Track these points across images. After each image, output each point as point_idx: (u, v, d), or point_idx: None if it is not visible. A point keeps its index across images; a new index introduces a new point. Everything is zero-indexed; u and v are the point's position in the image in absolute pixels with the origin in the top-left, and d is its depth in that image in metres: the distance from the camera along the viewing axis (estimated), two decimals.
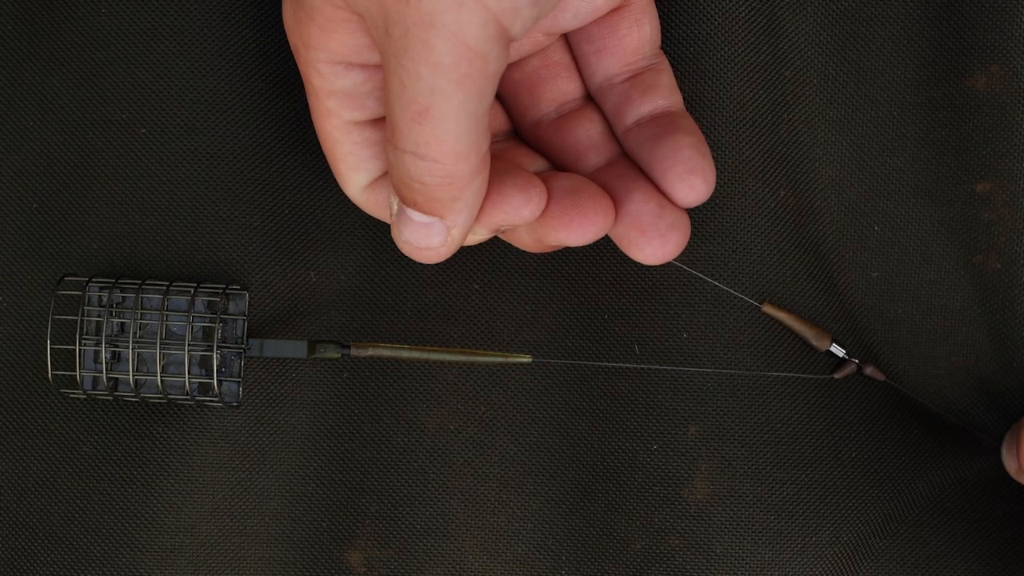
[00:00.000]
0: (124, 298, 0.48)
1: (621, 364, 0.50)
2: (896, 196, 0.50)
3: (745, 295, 0.50)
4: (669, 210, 0.36)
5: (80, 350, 0.48)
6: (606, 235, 0.49)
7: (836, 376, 0.49)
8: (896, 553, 0.50)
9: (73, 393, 0.48)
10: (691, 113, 0.49)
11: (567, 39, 0.39)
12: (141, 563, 0.49)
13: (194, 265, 0.50)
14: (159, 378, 0.47)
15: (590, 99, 0.39)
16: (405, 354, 0.47)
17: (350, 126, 0.37)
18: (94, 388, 0.48)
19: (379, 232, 0.50)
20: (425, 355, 0.47)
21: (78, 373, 0.47)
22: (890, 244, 0.50)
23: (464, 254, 0.50)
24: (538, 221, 0.35)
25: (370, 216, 0.50)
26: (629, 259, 0.49)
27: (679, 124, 0.37)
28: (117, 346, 0.48)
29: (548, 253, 0.50)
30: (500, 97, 0.38)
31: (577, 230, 0.34)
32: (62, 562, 0.49)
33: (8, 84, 0.49)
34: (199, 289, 0.48)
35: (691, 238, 0.49)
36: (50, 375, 0.47)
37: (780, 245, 0.50)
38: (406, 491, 0.50)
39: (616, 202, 0.35)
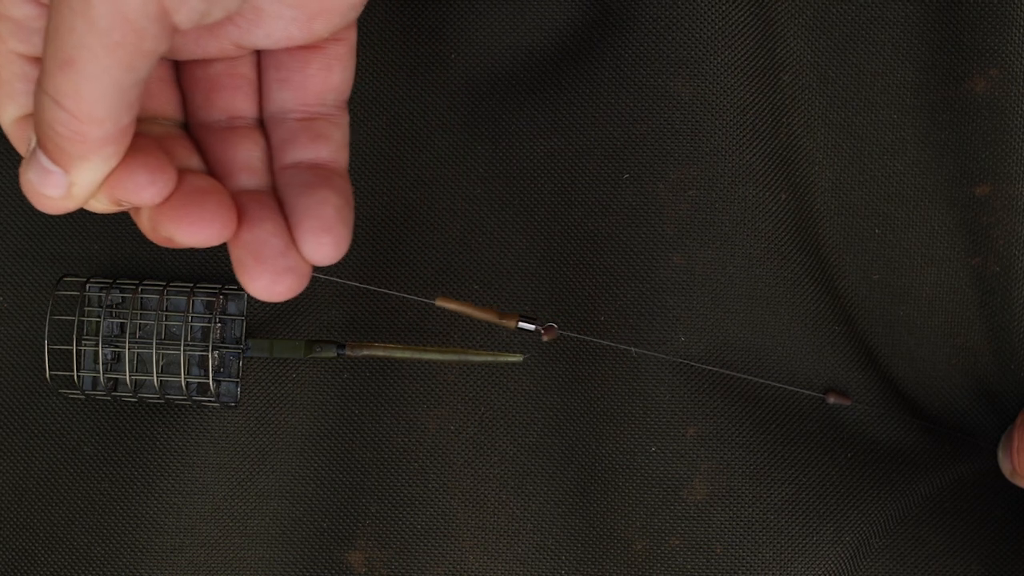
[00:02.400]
0: (123, 298, 0.48)
1: (618, 345, 0.50)
2: (896, 199, 0.50)
3: (742, 298, 0.50)
4: (294, 254, 0.35)
5: (78, 350, 0.48)
6: (593, 233, 0.49)
7: (545, 339, 0.47)
8: (896, 553, 0.50)
9: (72, 393, 0.48)
10: (691, 117, 0.49)
11: (260, 60, 0.38)
12: (141, 563, 0.49)
13: (196, 265, 0.50)
14: (155, 378, 0.47)
15: (262, 125, 0.39)
16: (399, 354, 0.47)
17: (13, 55, 0.36)
18: (93, 388, 0.48)
19: (379, 232, 0.50)
20: (419, 355, 0.47)
21: (75, 374, 0.48)
22: (891, 247, 0.50)
23: (464, 255, 0.50)
24: (156, 208, 0.34)
25: (369, 217, 0.50)
26: (626, 261, 0.50)
27: (333, 182, 0.36)
28: (116, 346, 0.48)
29: (549, 252, 0.50)
30: (181, 87, 0.38)
31: (187, 228, 0.34)
32: (63, 562, 0.49)
33: None
34: (198, 289, 0.48)
35: (691, 242, 0.50)
36: (48, 375, 0.47)
37: (781, 248, 0.50)
38: (406, 491, 0.50)
39: (244, 224, 0.35)
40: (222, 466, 0.50)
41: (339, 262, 0.49)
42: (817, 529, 0.50)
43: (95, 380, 0.48)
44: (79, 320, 0.48)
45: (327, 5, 0.35)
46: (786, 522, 0.50)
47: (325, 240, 0.35)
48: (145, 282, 0.48)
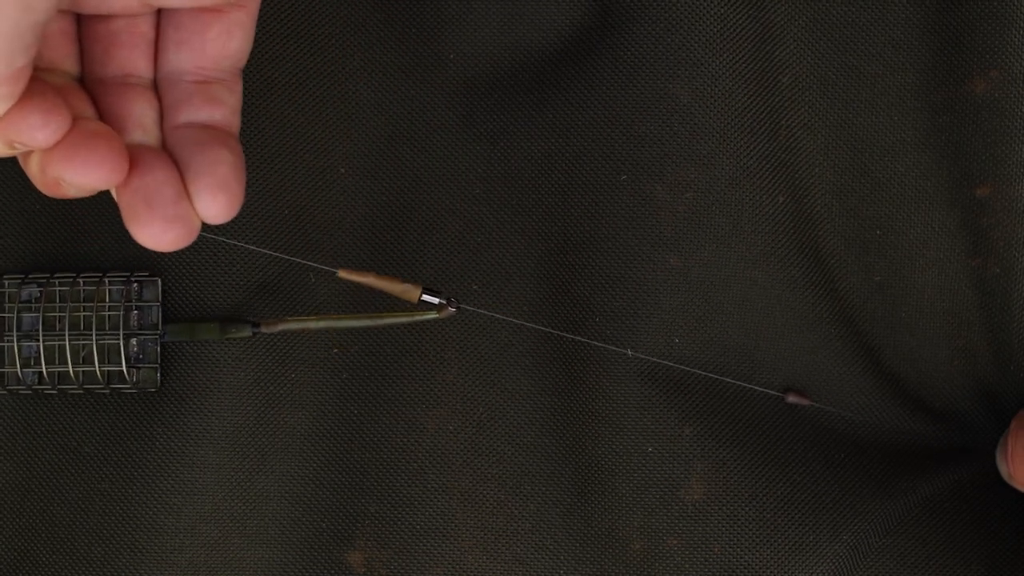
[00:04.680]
0: (41, 292, 0.49)
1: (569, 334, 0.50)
2: (897, 200, 0.50)
3: (739, 300, 0.50)
4: (186, 204, 0.35)
5: None
6: (590, 234, 0.49)
7: (441, 315, 0.46)
8: (896, 553, 0.50)
9: None
10: (689, 119, 0.49)
11: (160, 20, 0.38)
12: (141, 563, 0.49)
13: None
14: (71, 369, 0.48)
15: (155, 89, 0.38)
16: (314, 324, 0.47)
17: None
18: (16, 384, 0.49)
19: (378, 233, 0.50)
20: (334, 323, 0.47)
21: None
22: (892, 248, 0.50)
23: (462, 255, 0.50)
24: (48, 150, 0.34)
25: (368, 218, 0.50)
26: (623, 262, 0.50)
27: (228, 142, 0.36)
28: (33, 340, 0.48)
29: (546, 252, 0.50)
30: (81, 42, 0.38)
31: (78, 168, 0.33)
32: (64, 562, 0.49)
33: None
34: (109, 278, 0.49)
35: (688, 243, 0.50)
36: None
37: (779, 250, 0.50)
38: (405, 491, 0.50)
39: (136, 170, 0.35)
40: (222, 466, 0.50)
41: (332, 253, 0.50)
42: (815, 528, 0.50)
43: (16, 375, 0.48)
44: None
45: None
46: (784, 521, 0.50)
47: (220, 197, 0.35)
48: (56, 274, 0.48)
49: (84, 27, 0.37)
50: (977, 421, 0.52)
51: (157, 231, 0.34)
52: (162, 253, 0.49)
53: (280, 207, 0.50)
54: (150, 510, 0.50)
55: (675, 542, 0.50)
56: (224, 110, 0.37)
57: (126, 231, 0.49)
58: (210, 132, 0.36)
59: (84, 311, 0.49)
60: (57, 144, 0.34)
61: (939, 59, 0.48)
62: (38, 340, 0.48)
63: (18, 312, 0.49)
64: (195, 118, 0.37)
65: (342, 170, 0.50)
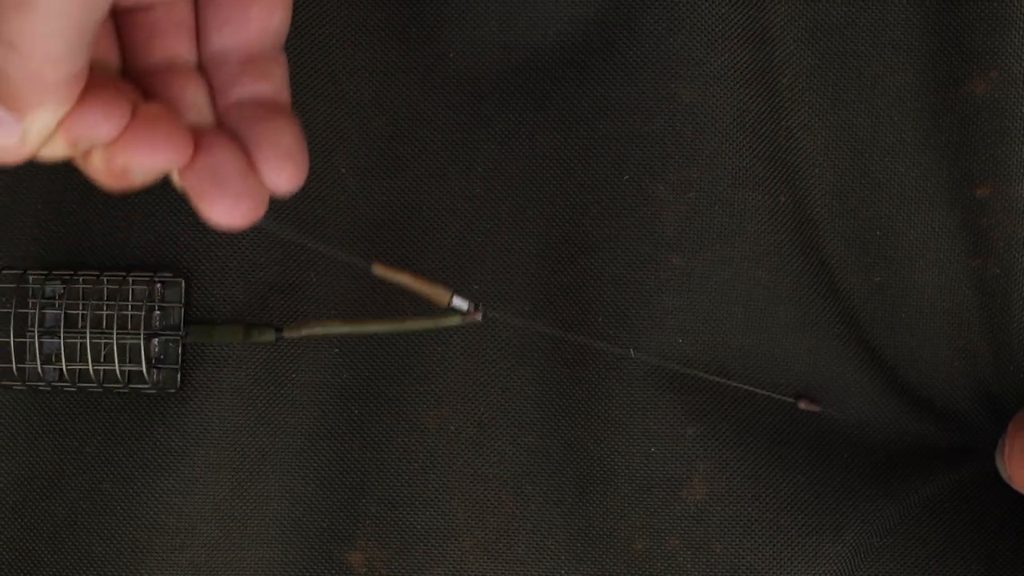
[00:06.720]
0: (65, 289, 0.49)
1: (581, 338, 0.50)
2: (897, 201, 0.50)
3: (741, 300, 0.50)
4: (254, 178, 0.35)
5: (19, 342, 0.48)
6: (592, 234, 0.49)
7: (464, 322, 0.45)
8: (896, 553, 0.50)
9: (15, 385, 0.49)
10: (691, 119, 0.49)
11: (196, 3, 0.38)
12: (142, 563, 0.49)
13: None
14: (91, 367, 0.48)
15: (201, 69, 0.38)
16: (337, 330, 0.47)
17: None
18: (37, 380, 0.49)
19: (378, 233, 0.50)
20: (358, 328, 0.47)
21: (14, 365, 0.48)
22: (892, 249, 0.50)
23: (463, 255, 0.50)
24: (111, 141, 0.34)
25: (368, 218, 0.50)
26: (625, 262, 0.50)
27: (283, 112, 0.37)
28: (53, 337, 0.48)
29: (548, 252, 0.50)
30: (120, 35, 0.38)
31: (144, 152, 0.33)
32: (64, 562, 0.49)
33: None
34: (135, 278, 0.49)
35: (690, 243, 0.50)
36: None
37: (780, 250, 0.50)
38: (406, 492, 0.50)
39: (200, 150, 0.35)
40: (222, 466, 0.50)
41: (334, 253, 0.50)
42: (817, 529, 0.50)
43: (37, 371, 0.49)
44: (16, 312, 0.48)
45: None
46: (786, 522, 0.50)
47: (287, 167, 0.35)
48: (80, 272, 0.49)
49: (122, 21, 0.37)
50: (977, 421, 0.52)
51: (229, 207, 0.34)
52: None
53: (280, 207, 0.50)
54: (151, 510, 0.49)
55: (677, 542, 0.50)
56: (275, 83, 0.37)
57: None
58: (265, 106, 0.36)
59: (106, 309, 0.49)
60: (120, 134, 0.34)
61: (939, 60, 0.49)
62: (59, 337, 0.48)
63: (41, 308, 0.49)
64: (247, 95, 0.37)
65: (342, 170, 0.50)
